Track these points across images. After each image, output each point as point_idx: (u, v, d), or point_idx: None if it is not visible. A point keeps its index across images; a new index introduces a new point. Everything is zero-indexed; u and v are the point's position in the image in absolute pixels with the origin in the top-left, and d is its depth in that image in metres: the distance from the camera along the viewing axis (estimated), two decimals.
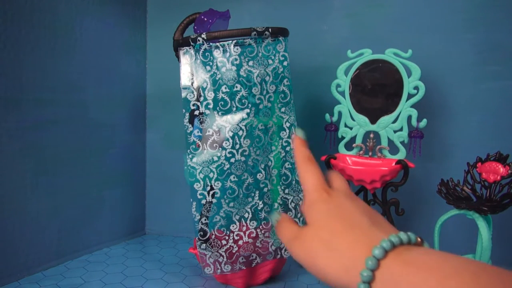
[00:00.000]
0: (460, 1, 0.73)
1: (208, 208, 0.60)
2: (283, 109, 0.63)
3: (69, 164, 0.73)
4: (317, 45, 0.81)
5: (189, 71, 0.60)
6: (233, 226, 0.61)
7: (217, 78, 0.59)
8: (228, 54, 0.59)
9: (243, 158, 0.60)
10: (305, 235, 0.27)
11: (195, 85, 0.59)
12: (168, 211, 0.93)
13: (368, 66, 0.68)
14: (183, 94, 0.60)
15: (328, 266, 0.24)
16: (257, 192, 0.62)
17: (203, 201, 0.60)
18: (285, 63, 0.62)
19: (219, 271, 0.61)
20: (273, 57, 0.61)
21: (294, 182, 0.64)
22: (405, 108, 0.65)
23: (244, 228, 0.62)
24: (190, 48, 0.60)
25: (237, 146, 0.59)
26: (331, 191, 0.30)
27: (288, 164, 0.64)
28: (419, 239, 0.24)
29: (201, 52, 0.59)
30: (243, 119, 0.59)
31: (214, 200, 0.60)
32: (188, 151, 0.60)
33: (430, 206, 0.76)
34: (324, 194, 0.29)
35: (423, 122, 0.64)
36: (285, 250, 0.64)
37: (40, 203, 0.68)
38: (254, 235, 0.62)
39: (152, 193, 0.94)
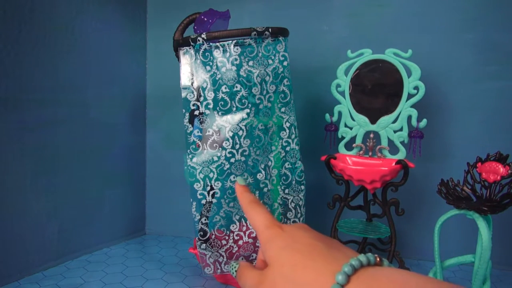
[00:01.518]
0: (460, 1, 0.73)
1: (208, 208, 0.60)
2: (283, 109, 0.63)
3: (69, 164, 0.73)
4: (317, 45, 0.81)
5: (189, 71, 0.60)
6: (233, 226, 0.61)
7: (217, 78, 0.59)
8: (228, 54, 0.59)
9: (243, 158, 0.60)
10: (267, 277, 0.27)
11: (195, 85, 0.59)
12: (168, 211, 0.93)
13: (368, 66, 0.68)
14: (183, 94, 0.60)
15: None
16: (257, 192, 0.62)
17: (203, 201, 0.60)
18: (285, 63, 0.62)
19: (219, 271, 0.61)
20: (273, 57, 0.61)
21: (294, 182, 0.64)
22: (405, 108, 0.65)
23: (244, 228, 0.62)
24: (190, 48, 0.60)
25: (237, 146, 0.59)
26: (284, 226, 0.29)
27: (288, 164, 0.64)
28: (378, 259, 0.24)
29: (201, 52, 0.59)
30: (243, 119, 0.59)
31: (214, 200, 0.60)
32: (188, 151, 0.60)
33: (430, 206, 0.76)
34: (278, 229, 0.29)
35: (423, 122, 0.64)
36: None
37: (40, 203, 0.68)
38: (254, 235, 0.62)
39: (152, 193, 0.94)
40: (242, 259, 0.61)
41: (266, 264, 0.28)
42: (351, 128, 0.70)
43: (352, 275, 0.22)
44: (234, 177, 0.60)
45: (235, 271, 0.32)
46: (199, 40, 0.58)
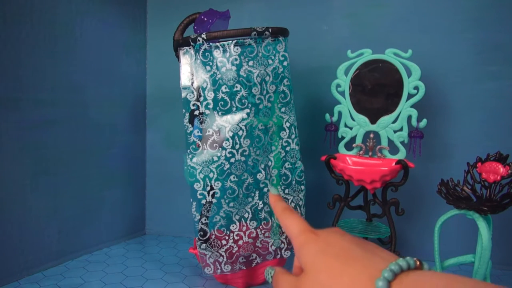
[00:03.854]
0: (460, 1, 0.73)
1: (208, 208, 0.60)
2: (283, 109, 0.63)
3: (69, 164, 0.73)
4: (317, 45, 0.81)
5: (189, 71, 0.60)
6: (233, 226, 0.61)
7: (217, 78, 0.59)
8: (228, 54, 0.59)
9: (243, 158, 0.60)
10: (304, 283, 0.26)
11: (195, 85, 0.59)
12: (168, 211, 0.93)
13: (368, 66, 0.68)
14: (183, 94, 0.59)
15: None
16: (257, 192, 0.62)
17: (203, 201, 0.60)
18: (285, 63, 0.62)
19: (219, 271, 0.61)
20: (273, 57, 0.61)
21: (294, 182, 0.64)
22: (405, 108, 0.65)
23: (244, 228, 0.62)
24: (190, 48, 0.59)
25: (237, 146, 0.59)
26: (317, 231, 0.29)
27: (288, 164, 0.64)
28: (418, 263, 0.24)
29: (201, 52, 0.59)
30: (243, 119, 0.59)
31: (214, 200, 0.60)
32: (188, 151, 0.60)
33: (430, 206, 0.76)
34: (311, 235, 0.28)
35: (423, 122, 0.64)
36: (285, 250, 0.64)
37: (40, 203, 0.68)
38: (254, 235, 0.62)
39: (152, 193, 0.94)
40: (242, 259, 0.61)
41: (302, 270, 0.28)
42: (351, 128, 0.70)
43: (393, 280, 0.22)
44: (234, 177, 0.60)
45: (271, 276, 0.32)
46: (199, 40, 0.58)
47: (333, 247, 0.26)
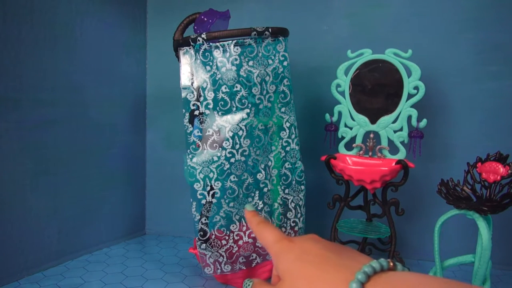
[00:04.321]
0: (460, 1, 0.73)
1: (208, 208, 0.60)
2: (283, 109, 0.63)
3: (69, 164, 0.73)
4: (317, 45, 0.81)
5: (189, 71, 0.60)
6: (233, 226, 0.61)
7: (217, 78, 0.59)
8: (228, 54, 0.59)
9: (243, 158, 0.60)
10: None
11: (195, 85, 0.59)
12: (168, 211, 0.93)
13: (368, 66, 0.68)
14: (183, 94, 0.60)
15: None
16: (257, 192, 0.62)
17: (203, 201, 0.60)
18: (285, 63, 0.62)
19: (219, 271, 0.61)
20: (273, 57, 0.61)
21: (294, 182, 0.64)
22: (405, 108, 0.65)
23: (244, 228, 0.62)
24: (190, 48, 0.60)
25: (237, 146, 0.59)
26: (293, 239, 0.29)
27: (288, 164, 0.64)
28: (391, 264, 0.24)
29: (201, 52, 0.59)
30: (243, 119, 0.59)
31: (214, 200, 0.60)
32: (188, 151, 0.60)
33: (430, 206, 0.76)
34: (287, 243, 0.29)
35: (423, 122, 0.64)
36: None
37: (40, 203, 0.68)
38: (254, 235, 0.62)
39: (152, 193, 0.94)
40: (242, 259, 0.61)
41: (280, 279, 0.28)
42: (351, 128, 0.70)
43: (366, 282, 0.22)
44: (234, 177, 0.60)
45: None
46: (199, 40, 0.58)
47: (309, 254, 0.27)
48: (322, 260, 0.26)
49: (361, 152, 0.69)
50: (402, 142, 0.66)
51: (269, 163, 0.63)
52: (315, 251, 0.27)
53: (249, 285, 0.32)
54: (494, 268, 0.69)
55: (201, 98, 0.59)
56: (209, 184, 0.59)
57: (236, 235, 0.61)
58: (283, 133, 0.63)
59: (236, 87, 0.59)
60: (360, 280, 0.22)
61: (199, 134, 0.60)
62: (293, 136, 0.64)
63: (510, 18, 0.71)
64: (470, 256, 0.59)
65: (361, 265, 0.23)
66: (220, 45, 0.59)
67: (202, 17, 0.62)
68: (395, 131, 0.66)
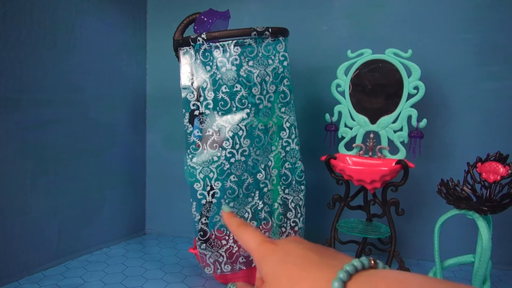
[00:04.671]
0: (460, 1, 0.73)
1: (208, 208, 0.60)
2: (283, 109, 0.63)
3: (69, 164, 0.73)
4: (317, 45, 0.81)
5: (189, 71, 0.60)
6: None
7: (217, 78, 0.59)
8: (228, 54, 0.59)
9: (243, 158, 0.60)
10: None
11: (195, 85, 0.59)
12: (168, 211, 0.93)
13: (368, 66, 0.68)
14: (183, 94, 0.60)
15: None
16: (257, 192, 0.62)
17: (203, 201, 0.60)
18: (285, 63, 0.62)
19: (219, 271, 0.61)
20: (273, 57, 0.61)
21: (294, 182, 0.64)
22: (405, 108, 0.65)
23: None
24: (190, 48, 0.60)
25: (237, 146, 0.59)
26: (275, 241, 0.30)
27: (288, 164, 0.64)
28: (372, 262, 0.24)
29: (201, 52, 0.59)
30: (243, 119, 0.59)
31: (214, 200, 0.60)
32: (188, 151, 0.60)
33: (430, 206, 0.76)
34: (270, 245, 0.29)
35: (423, 122, 0.64)
36: None
37: (40, 203, 0.68)
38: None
39: (152, 193, 0.94)
40: (242, 259, 0.61)
41: (263, 281, 0.28)
42: (351, 128, 0.70)
43: (348, 281, 0.22)
44: (234, 177, 0.60)
45: None
46: (199, 40, 0.58)
47: (291, 255, 0.27)
48: (304, 260, 0.26)
49: (361, 152, 0.69)
50: (402, 142, 0.66)
51: (269, 163, 0.63)
52: (298, 252, 0.27)
53: None
54: (494, 268, 0.69)
55: (201, 98, 0.59)
56: (209, 184, 0.59)
57: None
58: (283, 133, 0.63)
59: (236, 87, 0.59)
60: (342, 278, 0.22)
61: (199, 134, 0.60)
62: (293, 136, 0.64)
63: (510, 18, 0.71)
64: (470, 256, 0.59)
65: (342, 264, 0.24)
66: (220, 45, 0.59)
67: (202, 17, 0.62)
68: (395, 131, 0.66)
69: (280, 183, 0.64)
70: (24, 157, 0.65)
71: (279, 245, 0.29)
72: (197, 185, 0.59)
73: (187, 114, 0.60)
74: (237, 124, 0.59)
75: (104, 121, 0.81)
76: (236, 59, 0.59)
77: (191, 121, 0.60)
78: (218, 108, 0.59)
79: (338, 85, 0.70)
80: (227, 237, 0.61)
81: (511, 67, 0.71)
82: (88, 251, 0.79)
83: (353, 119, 0.69)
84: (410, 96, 0.65)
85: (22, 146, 0.65)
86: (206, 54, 0.59)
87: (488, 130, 0.73)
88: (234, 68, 0.59)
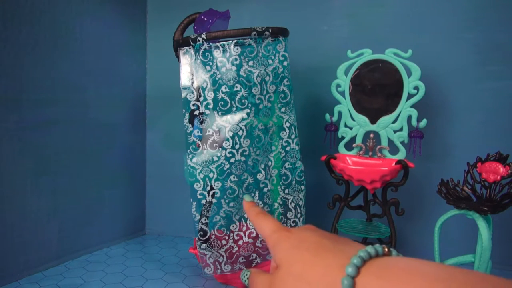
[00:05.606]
0: (460, 1, 0.73)
1: (208, 208, 0.60)
2: (283, 109, 0.63)
3: (69, 164, 0.73)
4: (317, 45, 0.81)
5: (189, 71, 0.60)
6: (233, 226, 0.61)
7: (217, 78, 0.59)
8: (228, 54, 0.59)
9: (243, 158, 0.60)
10: (278, 278, 0.27)
11: (195, 85, 0.59)
12: (168, 211, 0.93)
13: (368, 66, 0.68)
14: (183, 94, 0.60)
15: None
16: (257, 192, 0.62)
17: (203, 201, 0.60)
18: (285, 63, 0.62)
19: (219, 271, 0.61)
20: (273, 57, 0.61)
21: (294, 182, 0.64)
22: (405, 108, 0.65)
23: (244, 228, 0.62)
24: (190, 48, 0.60)
25: (237, 146, 0.59)
26: (290, 229, 0.30)
27: (288, 164, 0.64)
28: (386, 250, 0.24)
29: (201, 52, 0.59)
30: (243, 119, 0.59)
31: (214, 200, 0.60)
32: (188, 151, 0.60)
33: (430, 206, 0.76)
34: (285, 232, 0.30)
35: (423, 122, 0.64)
36: None
37: (40, 203, 0.68)
38: (254, 235, 0.62)
39: (152, 193, 0.94)
40: (242, 259, 0.61)
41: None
42: (351, 128, 0.70)
43: (362, 266, 0.23)
44: (234, 177, 0.60)
45: (247, 278, 0.32)
46: (199, 40, 0.58)
47: (305, 242, 0.27)
48: (318, 246, 0.26)
49: (361, 152, 0.69)
50: (402, 142, 0.66)
51: (269, 163, 0.63)
52: (312, 239, 0.27)
53: (246, 275, 0.33)
54: (494, 268, 0.69)
55: (201, 98, 0.59)
56: (209, 184, 0.59)
57: (236, 235, 0.61)
58: (283, 133, 0.63)
59: (236, 87, 0.59)
60: (355, 264, 0.22)
61: (199, 134, 0.60)
62: (293, 136, 0.64)
63: (510, 18, 0.71)
64: (470, 256, 0.59)
65: (356, 251, 0.24)
66: (220, 45, 0.59)
67: (202, 17, 0.62)
68: (395, 131, 0.66)
69: (280, 183, 0.64)
70: (24, 157, 0.65)
71: (294, 232, 0.29)
72: (197, 185, 0.59)
73: (187, 114, 0.60)
74: (237, 124, 0.59)
75: (104, 121, 0.81)
76: (236, 59, 0.59)
77: (191, 121, 0.60)
78: (218, 108, 0.59)
79: (338, 85, 0.70)
80: (227, 237, 0.61)
81: (511, 67, 0.71)
82: (88, 251, 0.79)
83: (353, 119, 0.69)
84: (410, 96, 0.65)
85: (22, 146, 0.65)
86: (206, 54, 0.59)
87: (488, 130, 0.73)
88: (234, 68, 0.59)
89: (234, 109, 0.59)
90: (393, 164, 0.64)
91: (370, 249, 0.24)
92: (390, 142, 0.67)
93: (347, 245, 0.26)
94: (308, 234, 0.28)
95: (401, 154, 0.65)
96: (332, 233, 0.29)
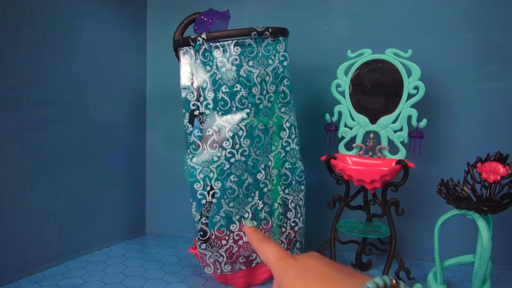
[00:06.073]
0: (460, 1, 0.73)
1: (208, 208, 0.60)
2: (283, 109, 0.63)
3: (69, 164, 0.73)
4: (317, 45, 0.81)
5: (189, 71, 0.60)
6: (233, 226, 0.61)
7: (217, 78, 0.59)
8: (228, 54, 0.59)
9: (243, 158, 0.60)
10: None
11: (195, 85, 0.59)
12: (168, 211, 0.93)
13: (368, 66, 0.68)
14: (183, 94, 0.60)
15: None
16: (257, 192, 0.62)
17: (203, 201, 0.60)
18: (285, 63, 0.62)
19: (219, 271, 0.61)
20: (273, 57, 0.61)
21: (294, 182, 0.64)
22: (405, 108, 0.65)
23: (244, 228, 0.62)
24: (190, 48, 0.60)
25: (237, 146, 0.59)
26: (296, 256, 0.30)
27: (288, 164, 0.64)
28: (394, 281, 0.24)
29: (201, 52, 0.59)
30: (243, 119, 0.59)
31: (214, 200, 0.60)
32: (188, 151, 0.60)
33: (430, 206, 0.76)
34: (290, 260, 0.29)
35: (423, 122, 0.64)
36: (285, 250, 0.64)
37: (40, 203, 0.68)
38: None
39: (152, 193, 0.94)
40: (242, 259, 0.61)
41: None
42: (351, 128, 0.70)
43: None
44: (234, 177, 0.60)
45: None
46: (199, 40, 0.58)
47: (311, 271, 0.27)
48: (324, 276, 0.26)
49: (361, 152, 0.69)
50: (402, 142, 0.66)
51: (269, 163, 0.63)
52: (318, 268, 0.27)
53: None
54: (494, 268, 0.69)
55: (201, 98, 0.59)
56: (209, 184, 0.59)
57: (236, 235, 0.61)
58: (283, 133, 0.63)
59: (236, 87, 0.59)
60: None
61: (199, 134, 0.60)
62: (293, 136, 0.64)
63: (510, 18, 0.71)
64: (470, 256, 0.59)
65: (363, 282, 0.24)
66: (220, 45, 0.59)
67: (202, 17, 0.62)
68: (395, 131, 0.66)
69: (280, 183, 0.64)
70: (24, 157, 0.65)
71: (299, 260, 0.29)
72: (197, 185, 0.59)
73: (187, 114, 0.60)
74: (237, 124, 0.59)
75: (104, 121, 0.81)
76: (236, 59, 0.59)
77: (191, 121, 0.60)
78: (218, 108, 0.59)
79: (338, 85, 0.70)
80: (227, 237, 0.61)
81: (511, 67, 0.71)
82: (88, 251, 0.79)
83: (353, 119, 0.69)
84: (410, 96, 0.65)
85: (22, 146, 0.65)
86: (206, 54, 0.59)
87: (488, 130, 0.73)
88: (234, 68, 0.59)
89: (234, 109, 0.59)
90: (393, 164, 0.64)
91: (378, 280, 0.23)
92: (390, 142, 0.67)
93: (353, 276, 0.26)
94: (314, 262, 0.28)
95: (401, 154, 0.65)
96: (336, 262, 0.29)
